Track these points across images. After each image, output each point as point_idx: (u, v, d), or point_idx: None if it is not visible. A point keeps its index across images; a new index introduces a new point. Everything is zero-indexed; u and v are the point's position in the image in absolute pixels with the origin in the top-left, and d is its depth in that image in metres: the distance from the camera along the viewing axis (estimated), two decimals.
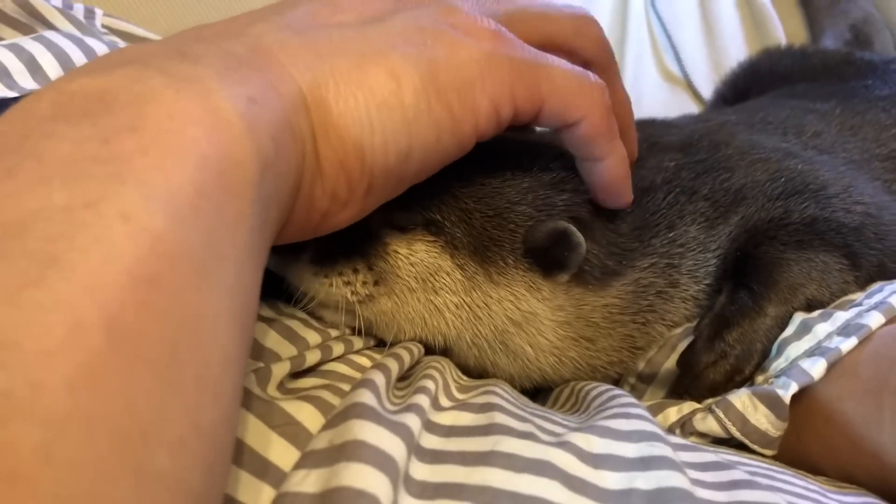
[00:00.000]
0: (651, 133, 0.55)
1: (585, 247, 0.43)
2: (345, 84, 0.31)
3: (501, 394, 0.38)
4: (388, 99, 0.32)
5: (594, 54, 0.42)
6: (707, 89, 0.94)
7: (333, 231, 0.36)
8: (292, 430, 0.31)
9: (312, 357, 0.37)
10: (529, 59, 0.36)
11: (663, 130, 0.57)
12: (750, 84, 0.83)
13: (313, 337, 0.40)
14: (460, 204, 0.43)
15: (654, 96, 0.93)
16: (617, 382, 0.51)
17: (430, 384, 0.36)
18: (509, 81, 0.35)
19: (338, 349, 0.40)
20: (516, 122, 0.38)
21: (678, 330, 0.49)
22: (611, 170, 0.42)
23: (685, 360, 0.46)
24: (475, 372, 0.47)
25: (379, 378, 0.34)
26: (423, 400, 0.34)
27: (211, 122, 0.24)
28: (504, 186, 0.43)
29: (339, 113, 0.31)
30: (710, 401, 0.43)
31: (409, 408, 0.33)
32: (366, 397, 0.31)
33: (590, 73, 0.39)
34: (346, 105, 0.31)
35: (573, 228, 0.43)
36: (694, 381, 0.45)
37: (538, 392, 0.51)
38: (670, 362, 0.48)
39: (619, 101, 0.44)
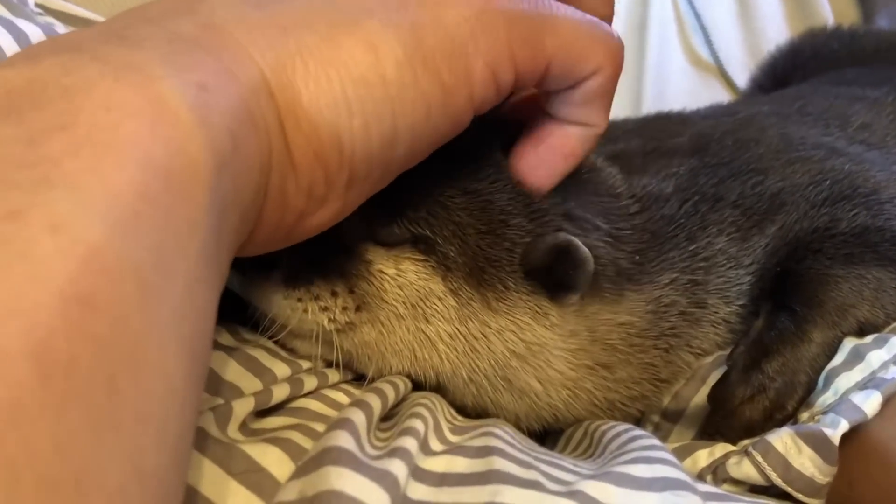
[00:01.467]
0: (654, 135, 0.55)
1: (593, 261, 0.44)
2: (314, 62, 0.31)
3: (502, 436, 0.38)
4: (366, 74, 0.32)
5: (604, 15, 0.42)
6: (742, 76, 0.95)
7: (311, 236, 0.36)
8: (256, 478, 0.31)
9: (280, 392, 0.38)
10: (529, 11, 0.36)
11: (672, 130, 0.58)
12: (790, 70, 0.85)
13: (281, 369, 0.41)
14: (453, 217, 0.43)
15: (680, 85, 0.94)
16: (638, 422, 0.52)
17: (418, 425, 0.37)
18: (507, 40, 0.35)
19: (310, 383, 0.40)
20: (520, 87, 0.38)
21: (708, 359, 0.50)
22: (587, 142, 0.42)
23: (717, 394, 0.47)
24: (474, 412, 0.48)
25: (358, 417, 0.34)
26: (410, 443, 0.34)
27: (155, 114, 0.24)
28: (494, 191, 0.44)
29: (309, 96, 0.31)
30: (746, 442, 0.43)
31: (394, 452, 0.33)
32: (343, 440, 0.31)
33: (603, 23, 0.39)
34: (318, 86, 0.31)
35: (576, 242, 0.43)
36: (727, 418, 0.46)
37: (546, 434, 0.52)
38: (700, 397, 0.49)
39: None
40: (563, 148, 0.43)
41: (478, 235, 0.43)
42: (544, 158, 0.43)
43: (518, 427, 0.48)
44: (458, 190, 0.43)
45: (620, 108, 0.87)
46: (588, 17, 0.38)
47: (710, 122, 0.60)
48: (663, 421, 0.50)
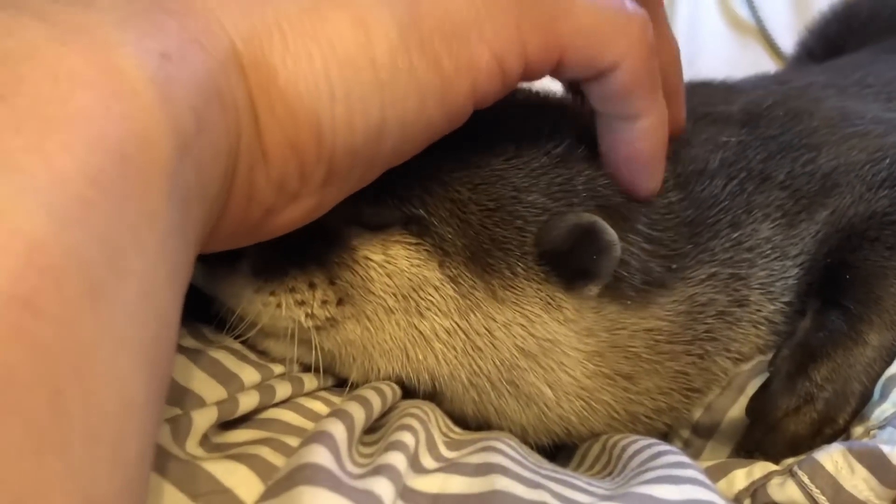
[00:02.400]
0: (703, 100, 0.55)
1: (620, 247, 0.43)
2: (295, 36, 0.31)
3: (505, 451, 0.38)
4: (353, 55, 0.32)
5: None
6: (788, 41, 0.94)
7: (278, 235, 0.35)
8: (220, 501, 0.31)
9: (248, 401, 0.37)
10: None
11: (721, 97, 0.57)
12: (846, 34, 0.83)
13: (250, 374, 0.40)
14: (451, 193, 0.43)
15: (715, 51, 0.93)
16: (665, 437, 0.51)
17: (407, 438, 0.36)
18: (516, 25, 0.35)
19: (283, 391, 0.40)
20: (529, 78, 0.38)
21: (748, 365, 0.49)
22: (646, 135, 0.42)
23: (757, 405, 0.46)
24: (474, 423, 0.47)
25: (338, 430, 0.34)
26: (397, 459, 0.34)
27: (110, 86, 0.24)
28: (507, 168, 0.43)
29: (287, 75, 0.31)
30: (790, 461, 0.42)
31: (379, 470, 0.33)
32: (319, 456, 0.31)
33: (626, 1, 0.39)
34: (297, 65, 0.31)
35: (603, 223, 0.42)
36: (769, 433, 0.45)
37: (558, 449, 0.51)
38: (736, 409, 0.48)
39: (664, 48, 0.44)
40: (634, 154, 0.43)
41: (482, 213, 0.43)
42: (623, 171, 0.44)
43: (525, 441, 0.47)
44: (460, 163, 0.43)
45: None
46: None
47: (760, 92, 0.59)
48: (694, 436, 0.50)
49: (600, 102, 0.41)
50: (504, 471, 0.35)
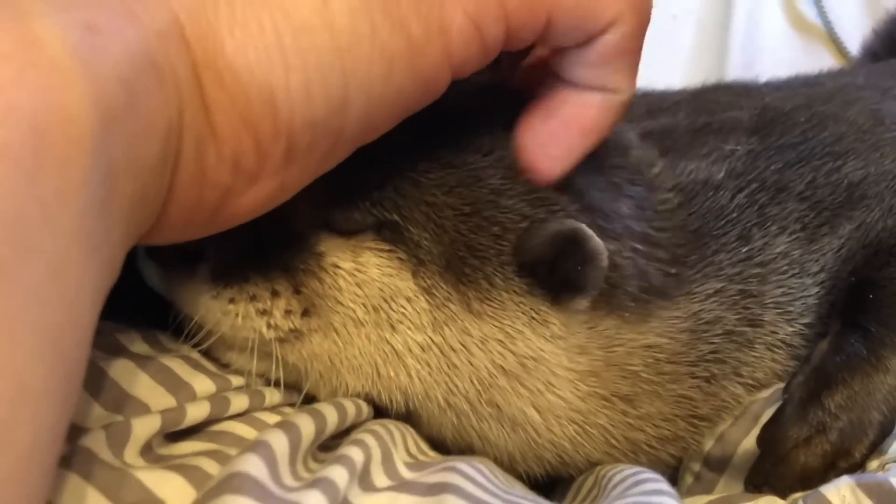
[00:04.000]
0: (703, 108, 0.54)
1: (607, 256, 0.42)
2: (244, 4, 0.31)
3: (466, 471, 0.37)
4: (308, 21, 0.31)
5: None
6: (857, 44, 0.92)
7: (243, 221, 0.35)
8: None
9: (196, 412, 0.37)
10: None
11: (729, 103, 0.56)
12: None
13: (203, 384, 0.40)
14: (425, 196, 0.42)
15: (777, 53, 0.91)
16: (675, 471, 0.50)
17: (355, 453, 0.36)
18: None
19: (239, 403, 0.40)
20: (513, 45, 0.37)
21: (764, 393, 0.48)
22: (610, 111, 0.40)
23: (767, 435, 0.45)
24: (456, 449, 0.47)
25: (278, 441, 0.34)
26: (337, 473, 0.34)
27: (24, 58, 0.24)
28: (484, 168, 0.43)
29: (235, 46, 0.31)
30: (797, 496, 0.41)
31: (315, 484, 0.32)
32: (251, 465, 0.31)
33: None
34: (246, 34, 0.31)
35: (586, 230, 0.41)
36: (778, 465, 0.44)
37: (555, 484, 0.50)
38: (750, 440, 0.47)
39: None
40: (580, 120, 0.41)
41: (457, 218, 0.42)
42: (557, 134, 0.42)
43: (514, 471, 0.47)
44: (434, 163, 0.42)
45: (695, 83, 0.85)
46: None
47: (781, 95, 0.58)
48: (706, 470, 0.49)
49: (579, 67, 0.39)
50: (457, 491, 0.35)
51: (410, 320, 0.43)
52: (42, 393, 0.23)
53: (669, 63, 0.90)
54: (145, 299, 0.44)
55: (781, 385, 0.48)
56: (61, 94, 0.24)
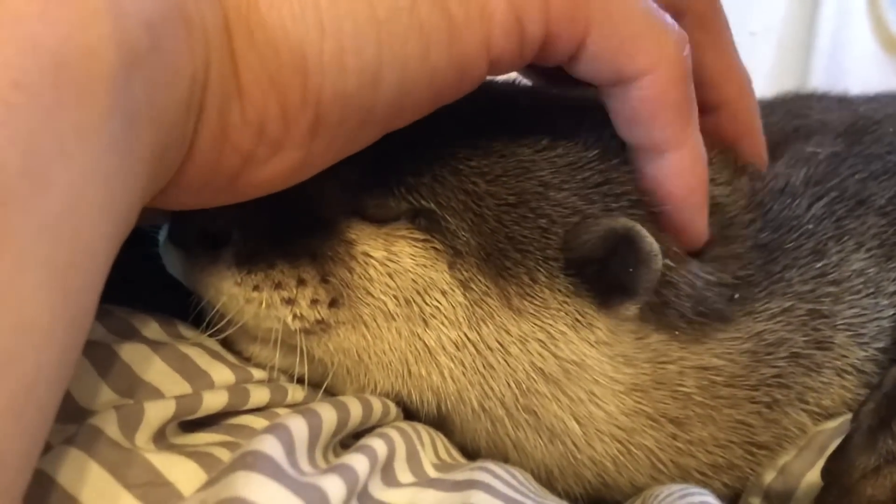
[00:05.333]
0: (797, 112, 0.53)
1: (662, 260, 0.42)
2: None
3: (496, 471, 0.37)
4: None
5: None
6: None
7: (264, 192, 0.35)
8: (156, 495, 0.31)
9: (213, 400, 0.37)
10: None
11: (822, 107, 0.55)
12: None
13: (222, 374, 0.40)
14: (465, 185, 0.42)
15: (863, 75, 0.89)
16: (734, 503, 0.49)
17: (379, 445, 0.36)
18: None
19: (259, 397, 0.40)
20: (545, 59, 0.37)
21: (832, 423, 0.47)
22: (676, 174, 0.41)
23: (832, 465, 0.43)
24: (489, 459, 0.45)
25: (298, 426, 0.34)
26: (359, 462, 0.33)
27: None
28: (536, 161, 0.43)
29: (270, 4, 0.31)
30: None
31: (334, 469, 0.32)
32: (267, 445, 0.31)
33: (666, 14, 0.39)
34: None
35: (642, 230, 0.41)
36: (842, 498, 0.42)
37: None
38: (815, 473, 0.45)
39: (730, 77, 0.44)
40: (664, 198, 0.42)
41: (500, 209, 0.42)
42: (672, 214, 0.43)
43: (552, 488, 0.46)
44: (479, 151, 0.42)
45: None
46: (646, 2, 0.38)
47: (875, 105, 0.58)
48: None
49: (623, 126, 0.41)
50: (486, 488, 0.35)
51: (445, 315, 0.43)
52: (45, 330, 0.24)
53: None
54: (164, 288, 0.44)
55: (850, 415, 0.47)
56: (86, 32, 0.25)
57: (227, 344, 0.44)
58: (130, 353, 0.38)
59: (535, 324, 0.43)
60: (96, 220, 0.26)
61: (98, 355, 0.37)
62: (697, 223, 0.43)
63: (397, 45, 0.33)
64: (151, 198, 0.32)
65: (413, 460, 0.38)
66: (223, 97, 0.32)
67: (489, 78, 0.49)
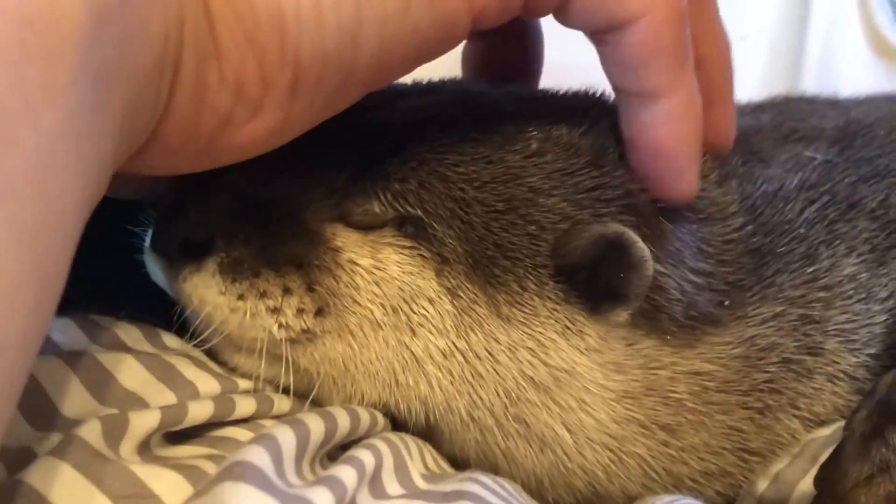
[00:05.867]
0: (793, 116, 0.54)
1: (652, 264, 0.42)
2: None
3: (486, 482, 0.37)
4: None
5: None
6: None
7: (244, 157, 0.35)
8: None
9: (199, 411, 0.37)
10: None
11: (816, 111, 0.56)
12: None
13: (207, 384, 0.40)
14: (453, 191, 0.42)
15: (856, 78, 0.89)
16: None
17: (367, 457, 0.36)
18: None
19: (244, 408, 0.40)
20: (532, 11, 0.37)
21: (825, 431, 0.47)
22: (669, 120, 0.40)
23: (825, 474, 0.43)
24: (479, 470, 0.45)
25: (285, 437, 0.34)
26: (347, 474, 0.33)
27: None
28: (525, 167, 0.43)
29: None
30: None
31: (322, 481, 0.32)
32: (255, 455, 0.31)
33: None
34: None
35: (632, 236, 0.41)
36: None
37: None
38: (808, 481, 0.45)
39: (709, 39, 0.43)
40: (654, 146, 0.42)
41: (488, 215, 0.42)
42: (649, 169, 0.43)
43: (542, 499, 0.46)
44: (466, 157, 0.42)
45: None
46: None
47: (866, 108, 0.58)
48: None
49: (615, 72, 0.40)
50: (476, 499, 0.35)
51: (432, 323, 0.43)
52: (11, 291, 0.23)
53: (737, 87, 0.89)
54: (148, 297, 0.44)
55: (843, 422, 0.47)
56: None
57: (212, 354, 0.44)
58: (114, 362, 0.38)
59: (525, 332, 0.43)
60: (66, 182, 0.26)
61: (81, 365, 0.37)
62: (690, 173, 0.43)
63: (377, 1, 0.33)
64: (127, 159, 0.31)
65: (401, 471, 0.38)
66: (199, 56, 0.32)
67: (476, 82, 0.49)
